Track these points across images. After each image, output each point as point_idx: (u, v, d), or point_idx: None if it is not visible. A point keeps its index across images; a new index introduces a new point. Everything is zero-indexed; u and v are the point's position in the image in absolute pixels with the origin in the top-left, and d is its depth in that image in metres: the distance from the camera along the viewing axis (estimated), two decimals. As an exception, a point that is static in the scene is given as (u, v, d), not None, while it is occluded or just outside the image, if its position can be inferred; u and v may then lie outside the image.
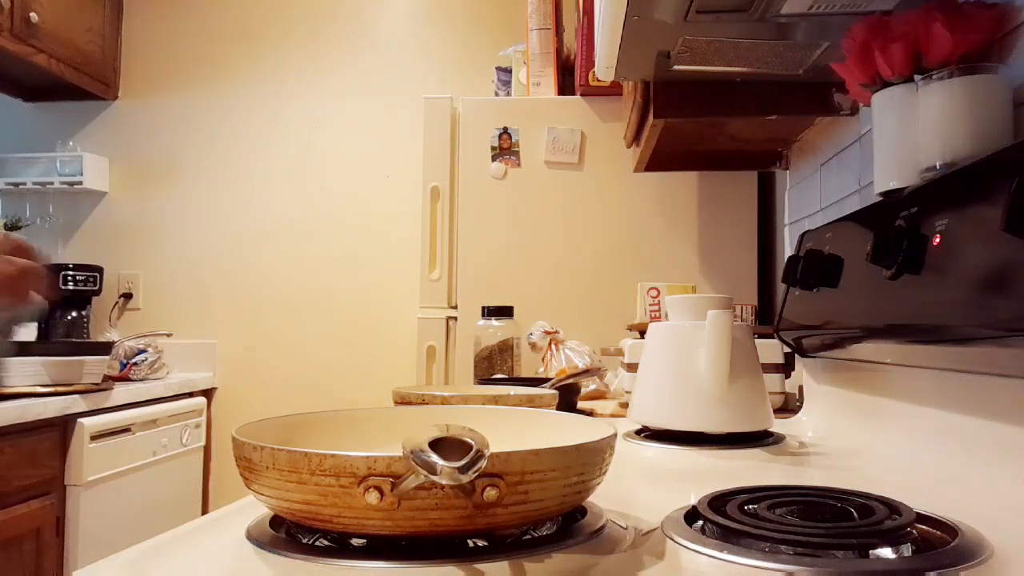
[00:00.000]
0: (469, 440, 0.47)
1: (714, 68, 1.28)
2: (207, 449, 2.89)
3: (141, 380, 2.61)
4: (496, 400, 1.10)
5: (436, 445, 0.47)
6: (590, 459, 0.56)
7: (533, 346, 1.81)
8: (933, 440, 0.86)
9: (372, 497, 0.49)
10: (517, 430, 0.70)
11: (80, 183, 2.89)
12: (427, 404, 1.05)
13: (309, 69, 3.01)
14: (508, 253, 2.14)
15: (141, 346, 2.66)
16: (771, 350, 1.35)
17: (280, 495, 0.54)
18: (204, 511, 2.85)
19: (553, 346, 1.79)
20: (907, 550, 0.54)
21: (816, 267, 1.06)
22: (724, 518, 0.57)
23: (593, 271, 2.11)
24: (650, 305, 1.76)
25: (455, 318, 2.15)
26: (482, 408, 0.86)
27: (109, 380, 2.36)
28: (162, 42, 3.07)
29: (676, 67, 1.27)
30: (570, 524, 0.60)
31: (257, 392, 2.94)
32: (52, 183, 2.89)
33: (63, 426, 2.09)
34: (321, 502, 0.51)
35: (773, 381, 1.34)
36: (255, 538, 0.58)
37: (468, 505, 0.50)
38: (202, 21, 3.06)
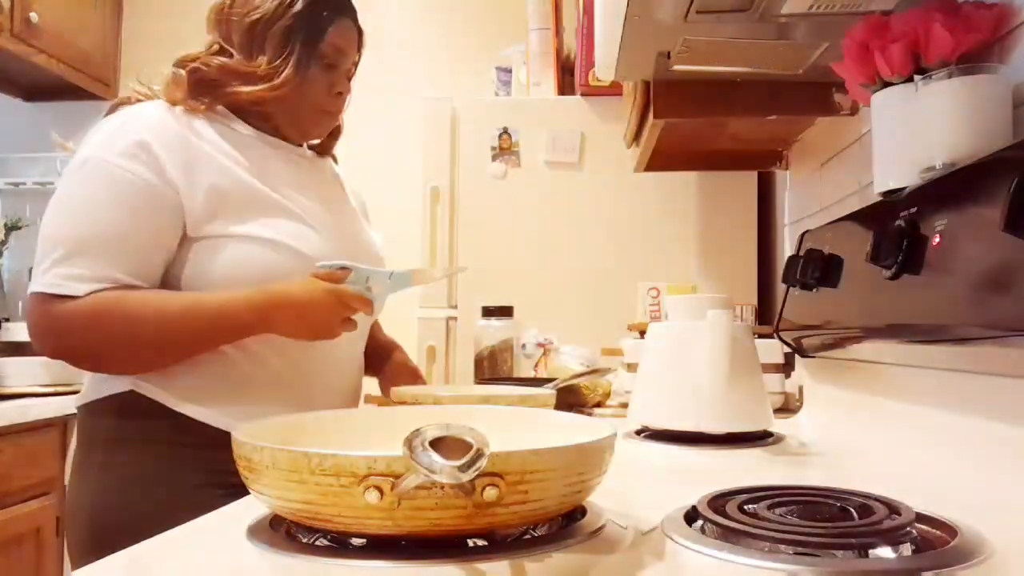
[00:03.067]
0: (469, 439, 0.47)
1: (714, 68, 1.28)
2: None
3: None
4: (489, 400, 1.10)
5: (436, 444, 0.47)
6: (590, 459, 0.56)
7: (527, 356, 1.82)
8: (933, 440, 0.86)
9: (372, 497, 0.49)
10: (517, 430, 0.70)
11: (80, 183, 2.88)
12: (420, 404, 1.05)
13: (309, 69, 3.00)
14: (508, 253, 2.14)
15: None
16: (771, 350, 1.35)
17: (280, 495, 0.54)
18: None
19: (545, 355, 1.79)
20: (907, 550, 0.54)
21: (816, 267, 1.06)
22: (724, 518, 0.57)
23: (593, 271, 2.11)
24: (650, 305, 1.76)
25: (455, 318, 2.15)
26: (483, 408, 0.86)
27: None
28: (162, 42, 3.06)
29: (676, 67, 1.27)
30: (570, 524, 0.60)
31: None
32: (52, 183, 2.88)
33: (63, 426, 2.09)
34: (321, 502, 0.51)
35: (773, 381, 1.34)
36: (255, 538, 0.58)
37: (468, 504, 0.50)
38: (202, 21, 3.05)
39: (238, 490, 0.90)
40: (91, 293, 0.98)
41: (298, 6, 1.11)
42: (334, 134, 1.31)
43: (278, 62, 1.10)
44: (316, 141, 1.29)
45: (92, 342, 1.01)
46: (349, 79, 1.21)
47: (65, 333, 1.00)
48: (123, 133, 1.03)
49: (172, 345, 1.03)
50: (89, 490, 1.06)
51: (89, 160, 1.02)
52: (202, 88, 1.10)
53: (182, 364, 1.05)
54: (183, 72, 1.10)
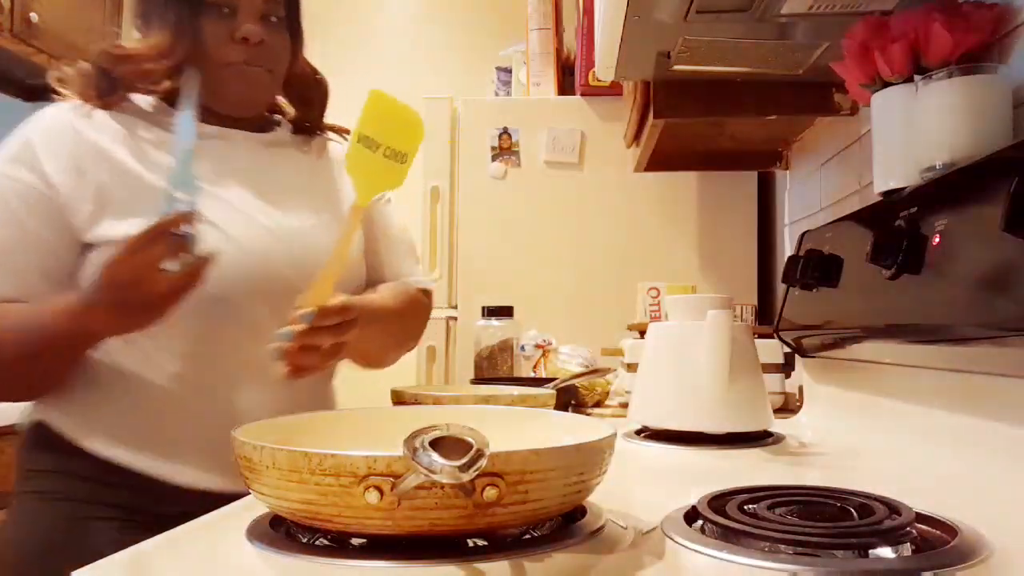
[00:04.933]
0: (469, 439, 0.47)
1: (714, 68, 1.28)
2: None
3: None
4: (487, 400, 1.10)
5: (436, 444, 0.47)
6: (590, 459, 0.56)
7: (526, 358, 1.82)
8: (933, 440, 0.86)
9: (372, 497, 0.49)
10: (517, 430, 0.70)
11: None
12: (420, 404, 1.05)
13: (309, 69, 3.00)
14: (508, 253, 2.14)
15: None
16: (771, 350, 1.35)
17: (280, 495, 0.54)
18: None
19: (544, 356, 1.78)
20: (907, 550, 0.54)
21: (816, 267, 1.06)
22: (724, 518, 0.57)
23: (593, 271, 2.11)
24: (650, 305, 1.76)
25: (455, 318, 2.15)
26: (483, 408, 0.86)
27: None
28: (162, 42, 3.06)
29: (676, 67, 1.27)
30: (570, 524, 0.60)
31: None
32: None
33: (63, 426, 2.08)
34: (321, 502, 0.51)
35: (773, 381, 1.34)
36: (255, 538, 0.58)
37: (468, 505, 0.50)
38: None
39: (137, 524, 0.85)
40: None
41: None
42: (310, 99, 1.16)
43: (163, 29, 0.98)
44: (293, 115, 1.15)
45: None
46: (264, 20, 1.01)
47: None
48: (15, 138, 0.96)
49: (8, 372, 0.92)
50: (3, 523, 0.98)
51: None
52: (106, 80, 0.98)
53: (78, 390, 0.94)
54: (88, 66, 1.00)
